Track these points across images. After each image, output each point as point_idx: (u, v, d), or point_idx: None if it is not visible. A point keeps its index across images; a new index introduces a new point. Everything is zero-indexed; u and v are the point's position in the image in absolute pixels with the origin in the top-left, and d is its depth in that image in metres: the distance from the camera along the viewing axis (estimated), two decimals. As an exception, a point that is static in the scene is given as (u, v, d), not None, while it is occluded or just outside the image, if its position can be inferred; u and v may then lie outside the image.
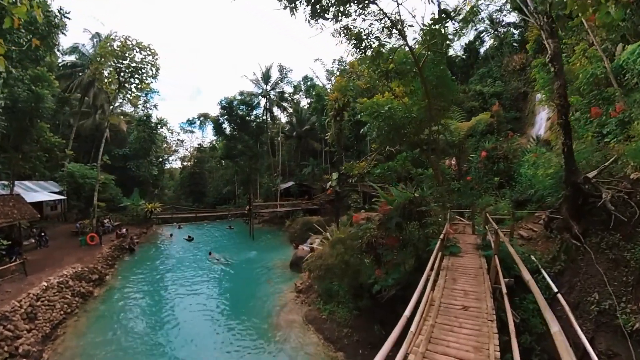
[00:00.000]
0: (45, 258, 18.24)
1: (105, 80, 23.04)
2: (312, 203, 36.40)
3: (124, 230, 25.75)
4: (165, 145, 52.24)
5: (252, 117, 44.97)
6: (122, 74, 24.77)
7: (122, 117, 45.30)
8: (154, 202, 34.96)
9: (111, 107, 26.49)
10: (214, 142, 57.54)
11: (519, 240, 10.83)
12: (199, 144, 62.82)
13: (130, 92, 26.60)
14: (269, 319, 14.17)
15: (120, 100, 32.37)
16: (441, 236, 8.30)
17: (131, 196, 33.56)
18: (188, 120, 60.06)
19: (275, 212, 36.72)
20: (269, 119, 48.17)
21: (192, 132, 63.28)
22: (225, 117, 43.35)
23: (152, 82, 27.30)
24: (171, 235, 32.53)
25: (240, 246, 28.55)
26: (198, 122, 55.49)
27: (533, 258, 8.83)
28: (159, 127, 40.50)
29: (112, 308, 16.34)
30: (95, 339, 13.72)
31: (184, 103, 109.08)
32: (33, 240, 19.93)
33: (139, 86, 26.70)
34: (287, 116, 51.24)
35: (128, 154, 38.42)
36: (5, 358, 10.63)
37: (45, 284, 14.47)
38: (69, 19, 23.47)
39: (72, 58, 34.18)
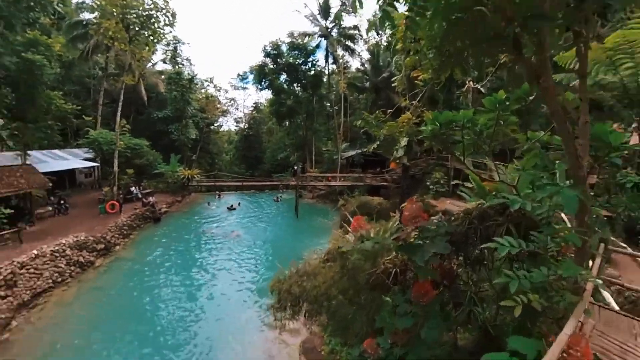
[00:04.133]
0: (57, 226, 19.59)
1: (111, 35, 22.72)
2: (381, 179, 31.45)
3: (151, 198, 26.72)
4: (217, 104, 50.14)
5: (309, 64, 39.75)
6: (130, 26, 24.41)
7: (162, 76, 45.23)
8: (193, 168, 35.80)
9: (127, 66, 26.59)
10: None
11: None
12: (254, 103, 60.05)
13: (143, 48, 26.34)
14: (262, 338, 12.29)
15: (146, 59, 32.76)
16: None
17: (171, 162, 34.34)
18: (238, 74, 54.76)
19: (331, 186, 33.26)
20: (331, 66, 41.47)
21: (244, 88, 60.65)
22: (270, 66, 39.75)
23: (169, 32, 26.80)
24: (209, 204, 33.38)
25: (279, 225, 27.62)
26: (251, 77, 47.53)
27: None
28: (192, 84, 39.05)
29: (111, 281, 16.74)
30: (78, 312, 13.99)
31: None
32: (50, 208, 21.60)
33: (153, 39, 26.32)
34: (360, 62, 43.72)
35: (170, 116, 38.30)
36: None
37: (35, 252, 15.17)
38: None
39: (88, 15, 33.24)
